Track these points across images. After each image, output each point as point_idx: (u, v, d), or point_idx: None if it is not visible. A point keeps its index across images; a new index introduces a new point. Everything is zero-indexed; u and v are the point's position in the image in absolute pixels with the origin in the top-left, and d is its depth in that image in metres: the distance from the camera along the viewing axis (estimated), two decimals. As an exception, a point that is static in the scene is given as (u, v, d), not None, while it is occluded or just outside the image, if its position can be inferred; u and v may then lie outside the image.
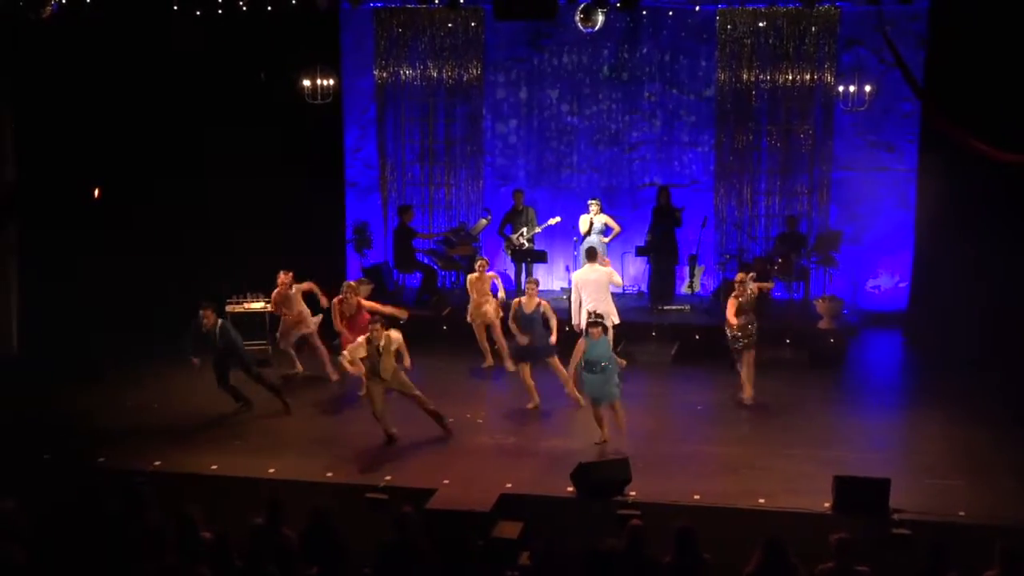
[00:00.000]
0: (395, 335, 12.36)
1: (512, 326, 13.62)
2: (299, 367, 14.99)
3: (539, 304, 13.55)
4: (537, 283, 14.06)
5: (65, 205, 15.96)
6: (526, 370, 13.50)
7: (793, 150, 17.91)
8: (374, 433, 12.42)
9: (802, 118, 17.80)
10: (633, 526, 8.50)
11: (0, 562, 7.99)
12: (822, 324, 16.27)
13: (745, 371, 13.72)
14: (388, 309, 13.93)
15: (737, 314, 13.55)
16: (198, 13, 15.91)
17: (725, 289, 17.08)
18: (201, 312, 13.05)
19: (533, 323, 13.44)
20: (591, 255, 14.79)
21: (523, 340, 13.46)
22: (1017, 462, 11.58)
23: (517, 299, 13.88)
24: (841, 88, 16.96)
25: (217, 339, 13.06)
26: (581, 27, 15.06)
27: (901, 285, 17.83)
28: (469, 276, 15.30)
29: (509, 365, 14.87)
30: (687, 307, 17.27)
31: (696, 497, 10.61)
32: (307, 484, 10.96)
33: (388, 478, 11.12)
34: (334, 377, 14.67)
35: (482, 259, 15.44)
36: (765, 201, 18.17)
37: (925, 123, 16.77)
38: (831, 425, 13.12)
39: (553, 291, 17.91)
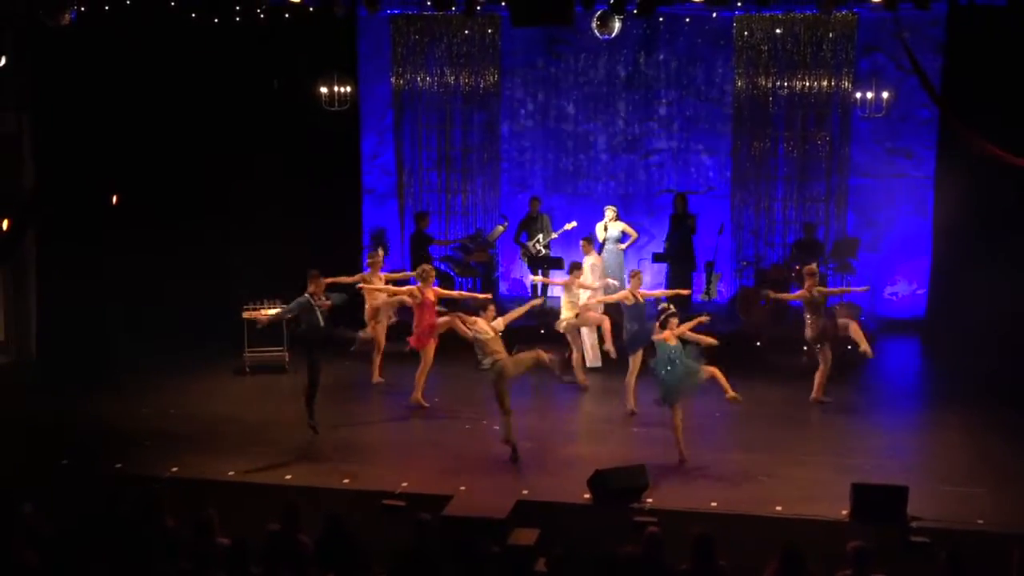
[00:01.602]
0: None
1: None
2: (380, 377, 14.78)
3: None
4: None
5: (84, 209, 16.01)
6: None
7: (810, 157, 17.89)
8: (391, 440, 12.41)
9: (819, 125, 17.77)
10: (650, 533, 8.47)
11: (12, 565, 8.02)
12: (839, 331, 16.16)
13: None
14: (456, 294, 14.54)
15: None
16: (216, 20, 15.97)
17: (741, 295, 17.09)
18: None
19: (641, 311, 13.61)
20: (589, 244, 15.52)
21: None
22: (1036, 469, 11.53)
23: (624, 292, 13.92)
24: (859, 94, 16.94)
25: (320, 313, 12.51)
26: (598, 34, 15.03)
27: (919, 292, 17.78)
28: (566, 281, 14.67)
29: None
30: (704, 314, 17.18)
31: (713, 504, 10.57)
32: (323, 491, 10.95)
33: (404, 484, 11.09)
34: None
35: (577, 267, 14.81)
36: (782, 208, 18.15)
37: (943, 130, 16.72)
38: (848, 432, 13.09)
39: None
